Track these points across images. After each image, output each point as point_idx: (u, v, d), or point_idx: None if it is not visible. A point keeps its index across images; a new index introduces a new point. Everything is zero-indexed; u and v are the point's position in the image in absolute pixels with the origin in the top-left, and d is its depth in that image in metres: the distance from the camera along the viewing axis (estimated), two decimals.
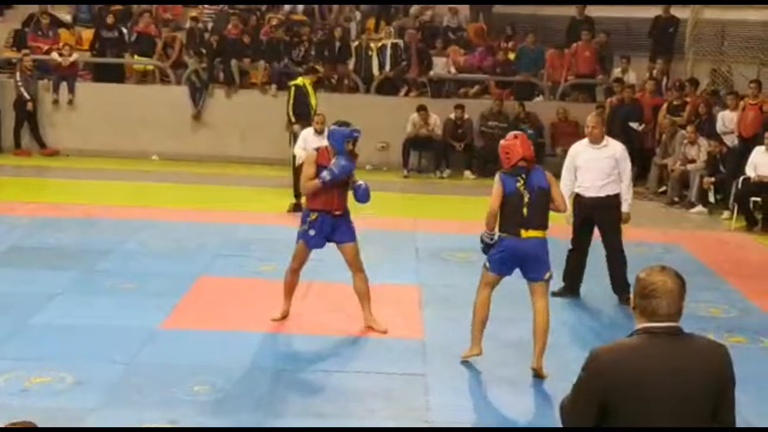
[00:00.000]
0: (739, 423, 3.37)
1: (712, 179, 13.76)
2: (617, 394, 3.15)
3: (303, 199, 8.34)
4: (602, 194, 8.64)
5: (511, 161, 6.86)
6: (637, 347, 3.22)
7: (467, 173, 16.41)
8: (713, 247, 11.59)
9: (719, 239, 12.24)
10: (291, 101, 13.83)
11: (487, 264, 7.02)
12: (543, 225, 6.88)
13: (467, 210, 13.42)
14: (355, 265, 7.79)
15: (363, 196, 7.79)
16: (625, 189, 8.73)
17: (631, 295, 3.35)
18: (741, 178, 12.79)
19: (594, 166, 8.61)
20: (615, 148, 8.76)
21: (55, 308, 8.19)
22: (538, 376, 6.91)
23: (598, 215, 8.71)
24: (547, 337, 6.89)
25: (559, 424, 3.43)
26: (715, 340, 3.56)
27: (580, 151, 8.75)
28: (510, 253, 6.86)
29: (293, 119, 13.75)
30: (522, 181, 6.82)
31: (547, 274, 6.92)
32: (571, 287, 8.98)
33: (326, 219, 7.67)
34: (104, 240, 10.55)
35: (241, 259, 10.04)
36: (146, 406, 6.20)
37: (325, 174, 7.49)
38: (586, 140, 8.76)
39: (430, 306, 8.65)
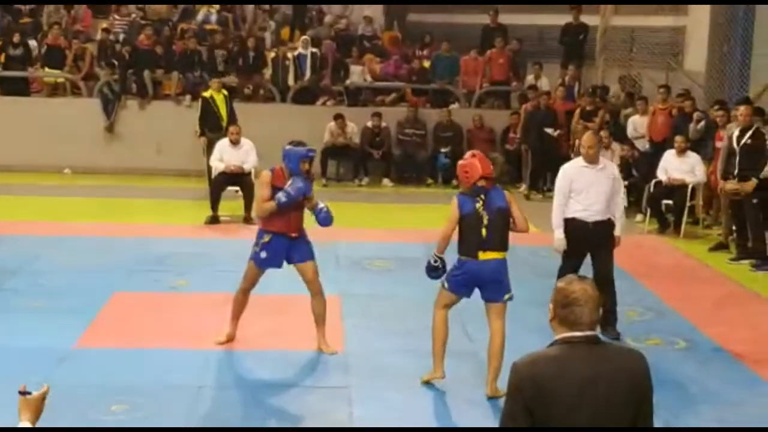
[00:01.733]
0: (658, 423, 3.40)
1: (625, 183, 13.98)
2: (539, 406, 3.14)
3: (253, 215, 7.89)
4: (606, 218, 8.02)
5: (471, 180, 6.60)
6: (557, 357, 3.21)
7: (386, 181, 16.45)
8: (628, 251, 11.65)
9: (633, 242, 12.39)
10: (199, 113, 13.89)
11: (446, 283, 6.77)
12: (503, 246, 6.66)
13: (387, 218, 13.46)
14: (315, 286, 7.56)
15: (325, 220, 7.53)
16: (622, 210, 8.30)
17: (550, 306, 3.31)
18: (653, 182, 13.03)
19: (597, 188, 7.97)
20: (612, 167, 8.37)
21: None
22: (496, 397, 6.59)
23: (596, 240, 8.06)
24: (502, 359, 6.61)
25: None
26: (633, 347, 3.58)
27: (577, 173, 8.04)
28: (470, 276, 6.65)
29: (198, 132, 13.80)
30: (481, 202, 6.58)
31: (507, 296, 6.70)
32: None
33: (281, 240, 7.41)
34: (13, 257, 10.22)
35: (156, 273, 9.86)
36: None
37: (280, 195, 7.20)
38: (578, 161, 8.16)
39: (350, 317, 8.59)
